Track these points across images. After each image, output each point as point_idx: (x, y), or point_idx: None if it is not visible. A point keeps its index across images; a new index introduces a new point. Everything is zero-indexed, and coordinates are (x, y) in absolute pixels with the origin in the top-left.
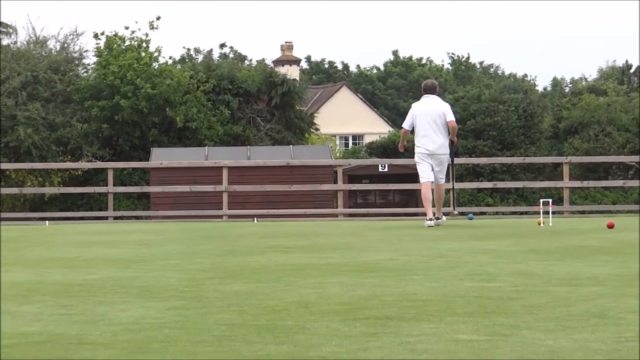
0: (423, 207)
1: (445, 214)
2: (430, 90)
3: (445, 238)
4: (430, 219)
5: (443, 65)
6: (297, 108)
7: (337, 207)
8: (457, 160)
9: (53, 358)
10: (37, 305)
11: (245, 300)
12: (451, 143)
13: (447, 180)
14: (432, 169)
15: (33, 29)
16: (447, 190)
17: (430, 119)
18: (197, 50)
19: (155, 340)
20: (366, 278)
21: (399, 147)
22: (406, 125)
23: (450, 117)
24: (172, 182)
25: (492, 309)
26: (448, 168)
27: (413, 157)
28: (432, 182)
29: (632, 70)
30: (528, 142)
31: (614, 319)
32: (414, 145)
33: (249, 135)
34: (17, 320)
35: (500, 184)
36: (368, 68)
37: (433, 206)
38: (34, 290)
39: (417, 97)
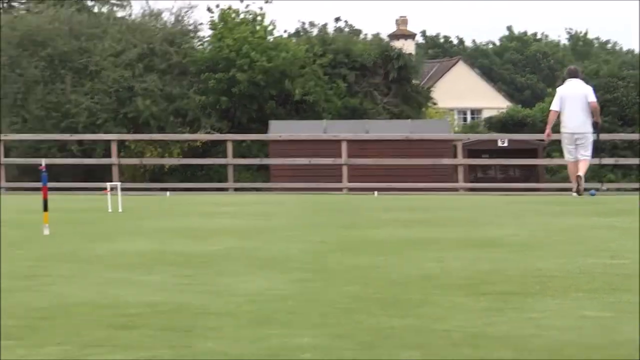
0: (547, 182)
1: (595, 189)
2: (574, 74)
3: (568, 213)
4: (576, 191)
5: (559, 40)
6: (414, 82)
7: (457, 182)
8: None
9: (179, 326)
10: (161, 275)
11: (367, 273)
12: (595, 123)
13: (594, 156)
14: (575, 148)
15: (147, 2)
16: (600, 166)
17: (573, 101)
18: (312, 24)
19: (280, 311)
20: (489, 253)
21: (545, 133)
22: (554, 107)
23: (592, 99)
24: (291, 154)
25: (616, 285)
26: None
27: (533, 133)
28: (574, 160)
29: None
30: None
31: None
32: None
33: (366, 109)
34: (142, 290)
35: (622, 160)
36: (484, 43)
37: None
38: (157, 260)
39: (535, 73)
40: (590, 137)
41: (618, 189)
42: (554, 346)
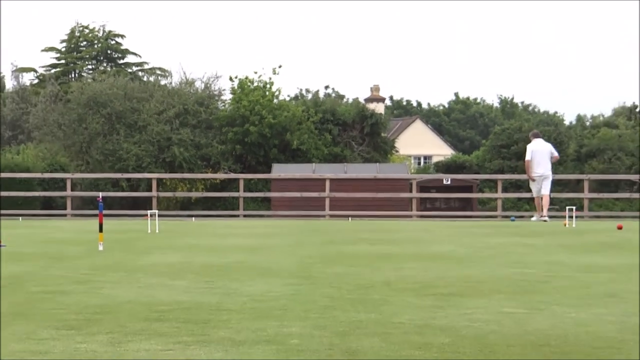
0: (479, 211)
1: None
2: (538, 136)
3: (494, 235)
4: (534, 217)
5: (493, 104)
6: (382, 135)
7: (412, 210)
8: (504, 176)
9: (199, 319)
10: (186, 280)
11: (342, 279)
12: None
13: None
14: (540, 186)
15: (184, 72)
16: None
17: (542, 154)
18: (307, 90)
19: (275, 308)
20: (434, 264)
21: (530, 176)
22: (528, 158)
23: (555, 154)
24: (288, 189)
25: (530, 289)
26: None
27: (470, 174)
28: (539, 195)
29: (637, 110)
30: (557, 163)
31: (622, 298)
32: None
33: (345, 155)
34: (171, 292)
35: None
36: (436, 105)
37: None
38: (184, 269)
39: (474, 129)
40: (551, 178)
41: (532, 216)
42: (481, 334)
